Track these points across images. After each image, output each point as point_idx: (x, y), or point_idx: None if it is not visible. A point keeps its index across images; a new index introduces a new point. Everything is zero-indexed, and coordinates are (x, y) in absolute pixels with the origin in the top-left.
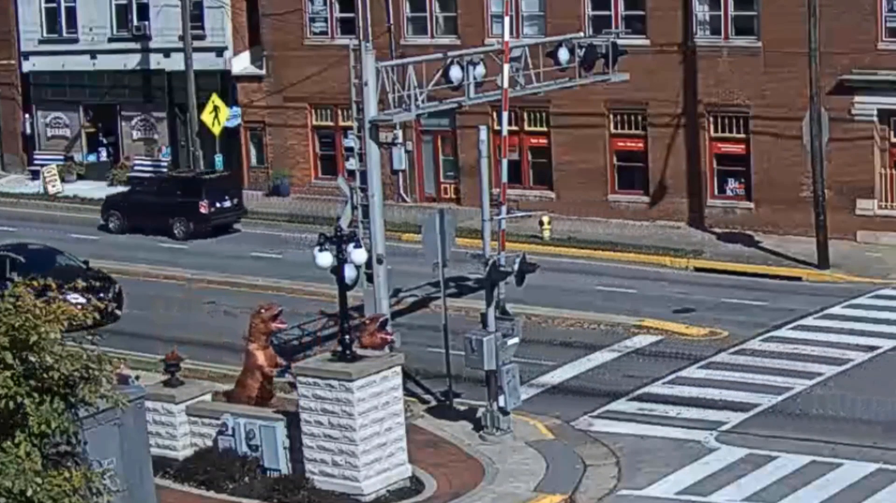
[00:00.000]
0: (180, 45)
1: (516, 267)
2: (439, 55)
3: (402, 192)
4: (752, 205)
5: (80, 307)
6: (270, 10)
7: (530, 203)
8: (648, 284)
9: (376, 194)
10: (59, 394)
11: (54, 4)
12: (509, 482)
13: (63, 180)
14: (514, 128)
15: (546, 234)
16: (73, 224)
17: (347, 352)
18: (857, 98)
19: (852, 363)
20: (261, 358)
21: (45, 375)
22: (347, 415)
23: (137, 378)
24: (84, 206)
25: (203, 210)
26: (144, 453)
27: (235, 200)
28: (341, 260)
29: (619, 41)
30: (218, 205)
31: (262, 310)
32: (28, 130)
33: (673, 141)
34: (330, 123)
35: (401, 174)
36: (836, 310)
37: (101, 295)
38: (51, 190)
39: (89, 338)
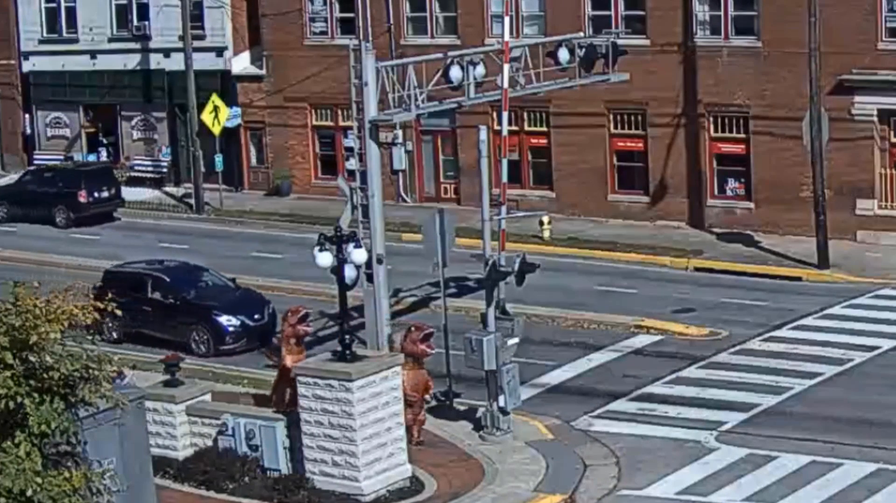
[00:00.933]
0: (180, 45)
1: (516, 267)
2: (439, 55)
3: (402, 192)
4: (752, 205)
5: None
6: (270, 10)
7: (530, 203)
8: (648, 284)
9: (376, 194)
10: (59, 394)
11: (54, 4)
12: (509, 482)
13: None
14: (514, 128)
15: (546, 233)
16: None
17: (347, 352)
18: (857, 98)
19: (852, 363)
20: (288, 361)
21: (45, 375)
22: (347, 415)
23: (133, 367)
24: None
25: (82, 199)
26: (144, 453)
27: (113, 191)
28: (341, 260)
29: (619, 41)
30: (96, 195)
31: (290, 314)
32: (28, 130)
33: (673, 141)
34: (330, 123)
35: (401, 174)
36: (836, 310)
37: (256, 316)
38: None
39: (89, 338)
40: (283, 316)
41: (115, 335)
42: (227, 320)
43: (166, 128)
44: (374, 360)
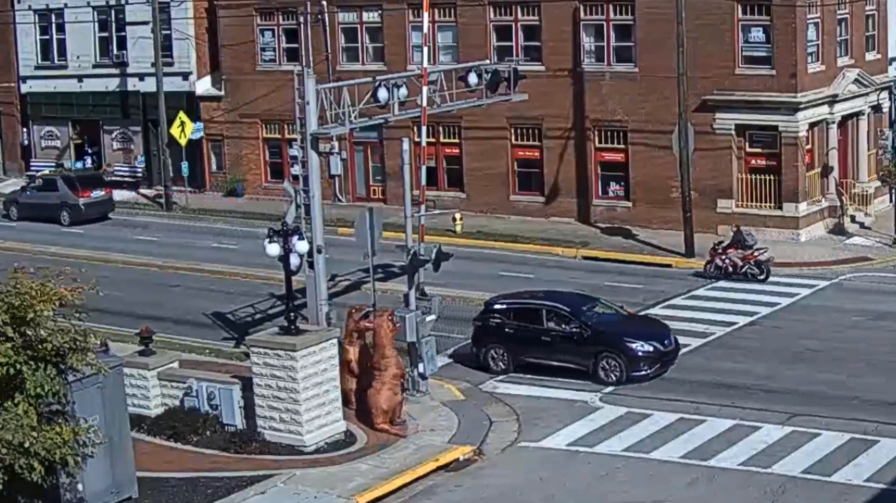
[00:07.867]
0: (152, 70)
1: (433, 255)
2: (369, 79)
3: (337, 193)
4: (630, 204)
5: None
6: (228, 41)
7: (445, 202)
8: (544, 270)
9: (316, 195)
10: (51, 362)
11: (48, 37)
12: (427, 436)
13: None
14: (432, 139)
15: (458, 228)
16: None
17: (292, 326)
18: (717, 115)
19: (713, 336)
20: (351, 355)
21: (39, 346)
22: (292, 380)
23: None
24: None
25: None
26: (123, 411)
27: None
28: (287, 250)
29: (519, 67)
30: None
31: (354, 311)
32: (25, 142)
33: (564, 150)
34: (278, 136)
35: (337, 178)
36: (701, 292)
37: (666, 341)
38: None
39: (76, 314)
40: (347, 312)
41: (501, 366)
42: (641, 346)
43: (141, 139)
44: (314, 334)
